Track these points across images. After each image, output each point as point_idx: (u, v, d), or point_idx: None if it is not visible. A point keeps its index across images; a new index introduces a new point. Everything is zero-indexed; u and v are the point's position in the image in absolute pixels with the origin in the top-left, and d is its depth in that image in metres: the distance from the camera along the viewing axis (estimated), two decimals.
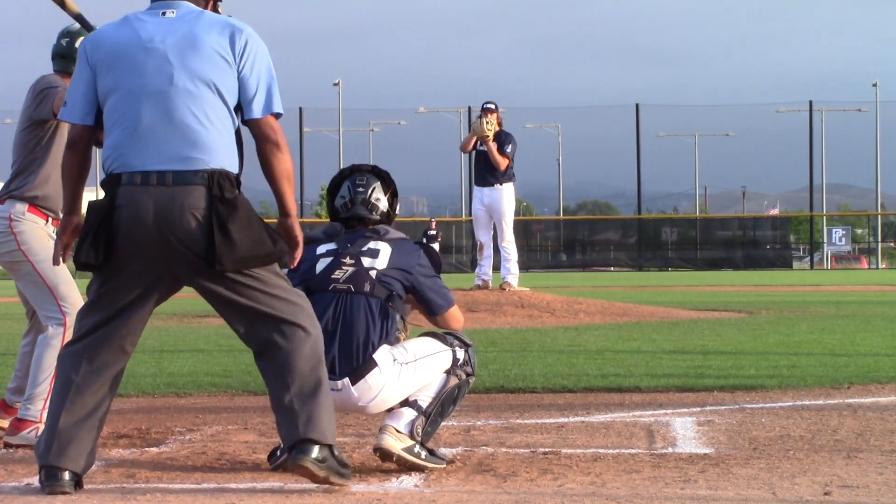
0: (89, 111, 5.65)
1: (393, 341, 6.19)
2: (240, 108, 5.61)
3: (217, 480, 5.89)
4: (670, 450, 6.73)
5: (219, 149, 5.52)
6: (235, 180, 5.54)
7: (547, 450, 6.71)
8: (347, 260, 6.24)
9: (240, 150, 5.63)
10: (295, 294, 5.64)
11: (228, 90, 5.56)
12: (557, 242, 74.23)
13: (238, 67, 5.57)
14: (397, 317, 6.21)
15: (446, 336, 6.35)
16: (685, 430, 7.41)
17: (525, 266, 70.11)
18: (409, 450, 6.07)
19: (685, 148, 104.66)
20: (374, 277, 6.19)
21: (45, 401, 6.92)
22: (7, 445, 7.01)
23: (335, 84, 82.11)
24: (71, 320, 7.00)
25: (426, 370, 6.21)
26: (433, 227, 56.21)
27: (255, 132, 5.59)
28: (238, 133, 5.64)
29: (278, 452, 6.16)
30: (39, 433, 6.89)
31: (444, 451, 6.38)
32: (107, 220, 5.48)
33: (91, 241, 5.49)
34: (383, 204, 6.47)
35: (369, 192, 6.45)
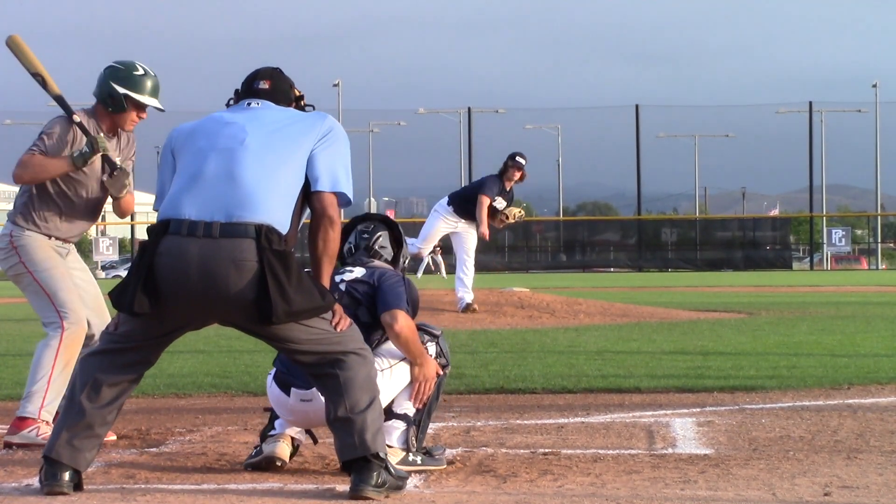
0: None
1: None
2: (307, 186, 5.63)
3: (217, 481, 5.89)
4: (670, 450, 6.73)
5: (272, 208, 5.51)
6: (283, 239, 5.51)
7: (547, 450, 6.71)
8: None
9: (295, 221, 5.62)
10: (339, 334, 5.64)
11: (296, 164, 5.59)
12: (557, 243, 74.24)
13: (314, 147, 5.63)
14: (368, 329, 6.21)
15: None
16: (685, 431, 7.41)
17: (525, 267, 70.16)
18: (403, 461, 6.10)
19: (685, 149, 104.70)
20: (341, 289, 6.23)
21: (43, 399, 7.03)
22: (7, 445, 7.02)
23: (335, 85, 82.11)
24: (69, 324, 7.09)
25: (401, 373, 6.23)
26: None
27: (315, 204, 5.62)
28: (298, 207, 5.63)
29: (254, 451, 6.20)
30: (40, 432, 6.92)
31: (442, 449, 6.37)
32: (150, 267, 5.47)
33: (138, 290, 5.46)
34: (387, 252, 6.51)
35: (374, 238, 6.50)
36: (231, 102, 5.91)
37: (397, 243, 6.57)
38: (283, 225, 5.52)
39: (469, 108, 76.45)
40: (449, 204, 17.91)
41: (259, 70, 5.93)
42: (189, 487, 5.75)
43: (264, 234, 5.43)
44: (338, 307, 5.67)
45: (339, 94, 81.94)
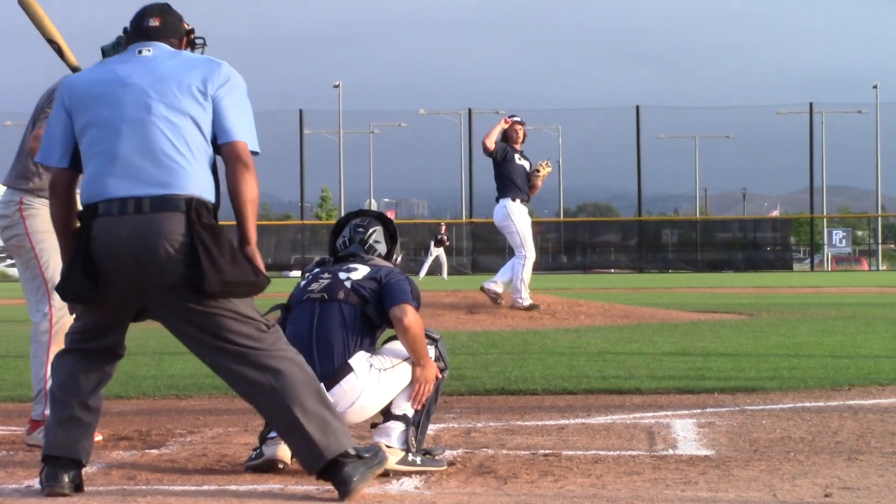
0: (65, 154, 5.68)
1: (370, 348, 6.22)
2: (215, 140, 5.60)
3: (218, 482, 5.89)
4: (671, 452, 6.73)
5: (196, 178, 5.51)
6: (213, 211, 5.53)
7: (547, 452, 6.71)
8: (325, 275, 6.36)
9: (217, 184, 5.63)
10: (271, 326, 5.60)
11: (206, 123, 5.57)
12: (558, 244, 74.27)
13: (215, 99, 5.58)
14: (373, 326, 6.23)
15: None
16: (686, 432, 7.41)
17: None
18: (403, 461, 6.11)
19: (685, 150, 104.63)
20: (347, 286, 6.25)
21: (47, 398, 6.98)
22: (30, 445, 7.04)
23: (335, 86, 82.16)
24: (56, 315, 7.03)
25: (403, 374, 6.25)
26: (442, 230, 56.15)
27: (225, 154, 5.58)
28: (215, 166, 5.64)
29: (253, 454, 6.20)
30: None
31: (442, 450, 6.37)
32: (86, 251, 5.48)
33: (78, 275, 5.48)
34: (382, 247, 6.55)
35: (368, 233, 6.55)
36: (121, 44, 5.79)
37: (392, 239, 6.61)
38: (210, 192, 5.53)
39: (470, 110, 76.48)
40: (504, 198, 17.54)
41: (147, 7, 5.86)
42: (190, 489, 5.75)
43: (194, 207, 5.43)
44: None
45: (339, 95, 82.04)
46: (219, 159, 5.63)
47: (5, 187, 7.27)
